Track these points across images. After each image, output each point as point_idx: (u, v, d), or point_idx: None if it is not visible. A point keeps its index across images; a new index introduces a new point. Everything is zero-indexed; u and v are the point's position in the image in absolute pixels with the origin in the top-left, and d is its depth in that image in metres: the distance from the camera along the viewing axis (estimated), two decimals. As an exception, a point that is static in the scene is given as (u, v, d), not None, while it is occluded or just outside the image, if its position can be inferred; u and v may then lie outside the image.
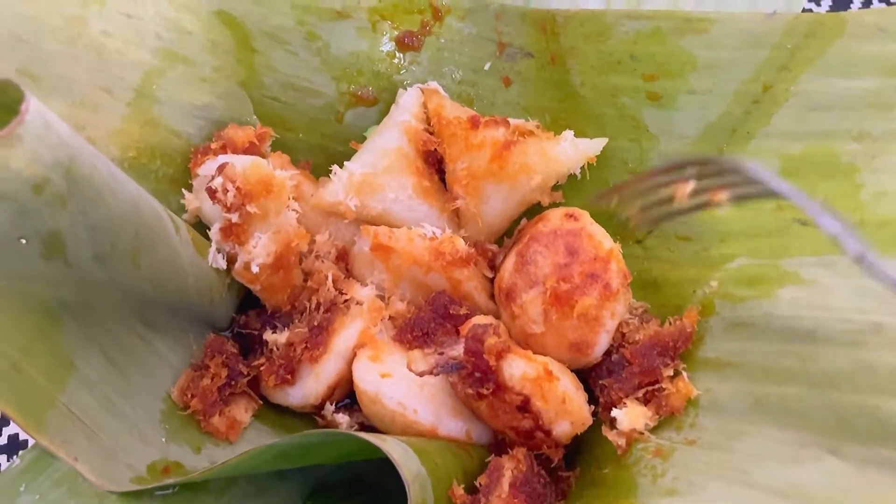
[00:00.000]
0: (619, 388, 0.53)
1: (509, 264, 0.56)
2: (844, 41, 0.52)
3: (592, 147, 0.59)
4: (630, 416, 0.51)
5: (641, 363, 0.53)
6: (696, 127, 0.57)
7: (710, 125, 0.57)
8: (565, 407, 0.51)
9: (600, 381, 0.55)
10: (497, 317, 0.59)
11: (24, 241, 0.42)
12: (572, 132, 0.59)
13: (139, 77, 0.56)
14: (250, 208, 0.53)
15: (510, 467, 0.49)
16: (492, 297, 0.60)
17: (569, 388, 0.52)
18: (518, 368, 0.50)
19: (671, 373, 0.52)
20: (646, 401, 0.52)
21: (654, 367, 0.52)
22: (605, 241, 0.54)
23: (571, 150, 0.59)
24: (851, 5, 0.87)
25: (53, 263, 0.44)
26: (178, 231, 0.52)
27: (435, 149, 0.60)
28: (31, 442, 0.49)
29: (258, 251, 0.54)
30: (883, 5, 0.87)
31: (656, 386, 0.52)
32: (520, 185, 0.59)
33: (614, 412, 0.51)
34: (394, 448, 0.43)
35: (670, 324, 0.55)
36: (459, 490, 0.48)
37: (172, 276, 0.52)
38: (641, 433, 0.50)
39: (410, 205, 0.59)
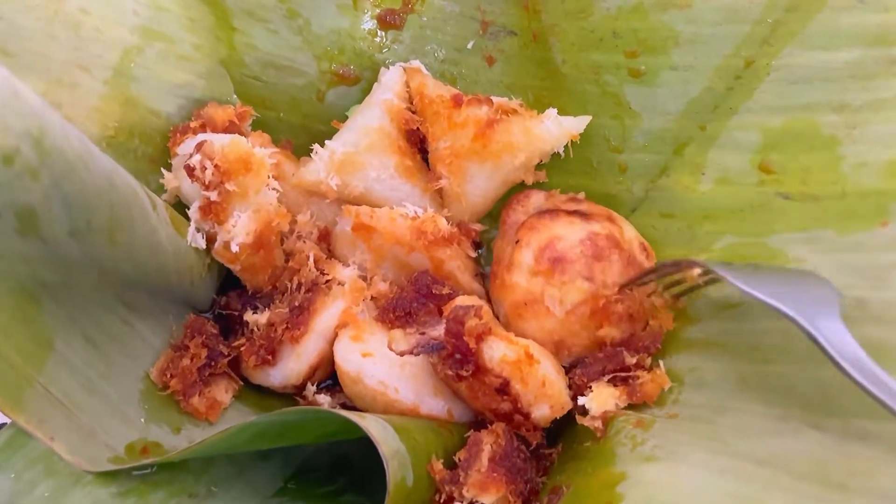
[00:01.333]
0: (582, 373, 0.52)
1: (575, 236, 0.54)
2: (825, 14, 0.51)
3: (576, 125, 0.59)
4: (597, 399, 0.50)
5: (606, 350, 0.53)
6: (679, 103, 0.57)
7: (692, 101, 0.56)
8: (545, 391, 0.50)
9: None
10: (480, 297, 0.59)
11: None
12: (556, 110, 0.59)
13: (117, 55, 0.56)
14: (229, 186, 0.52)
15: (489, 442, 0.49)
16: (475, 276, 0.60)
17: (549, 371, 0.51)
18: (498, 351, 0.50)
19: (634, 360, 0.52)
20: (613, 385, 0.52)
21: (617, 353, 0.52)
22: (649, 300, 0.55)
23: (555, 128, 0.58)
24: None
25: (28, 240, 0.43)
26: (156, 209, 0.51)
27: (417, 128, 0.60)
28: (8, 421, 0.49)
29: (238, 230, 0.54)
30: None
31: (629, 373, 0.52)
32: (503, 164, 0.59)
33: (581, 400, 0.51)
34: (373, 425, 0.43)
35: (643, 329, 0.55)
36: (438, 465, 0.47)
37: (151, 254, 0.51)
38: (615, 412, 0.50)
39: (392, 184, 0.59)
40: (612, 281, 0.53)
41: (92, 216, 0.45)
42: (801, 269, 0.49)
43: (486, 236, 0.63)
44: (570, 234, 0.55)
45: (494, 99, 0.59)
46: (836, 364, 0.39)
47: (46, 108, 0.40)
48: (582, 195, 0.60)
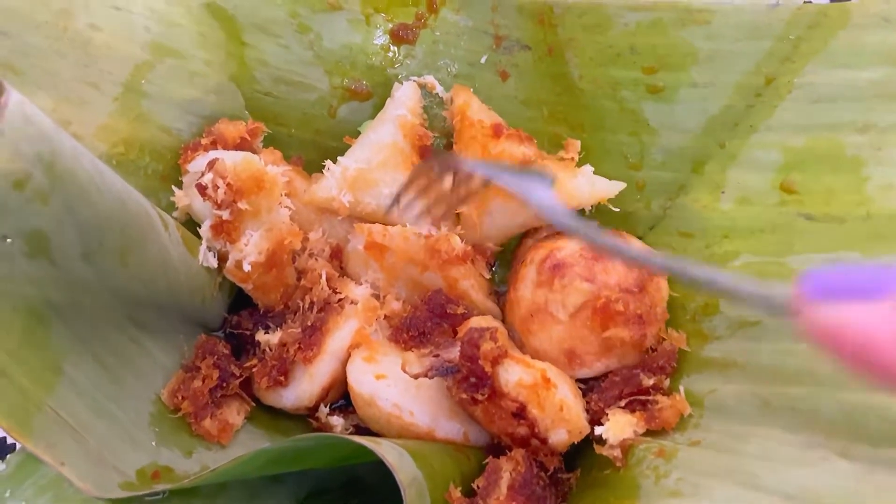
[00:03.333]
0: (598, 398, 0.51)
1: (575, 245, 0.54)
2: (849, 31, 0.51)
3: (608, 189, 0.57)
4: (615, 427, 0.49)
5: (622, 372, 0.52)
6: (698, 120, 0.56)
7: (711, 118, 0.55)
8: (562, 415, 0.49)
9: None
10: (495, 316, 0.58)
11: (6, 240, 0.40)
12: (592, 168, 0.57)
13: (127, 71, 0.55)
14: (241, 205, 0.52)
15: (508, 469, 0.48)
16: (490, 295, 0.59)
17: (567, 395, 0.50)
18: (514, 374, 0.49)
19: (651, 382, 0.51)
20: (630, 410, 0.51)
21: (634, 375, 0.51)
22: (663, 303, 0.54)
23: (587, 188, 0.56)
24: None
25: (38, 263, 0.42)
26: (168, 228, 0.50)
27: (431, 143, 0.59)
28: (18, 446, 0.48)
29: (250, 249, 0.53)
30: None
31: (647, 397, 0.51)
32: (527, 209, 0.57)
33: (598, 430, 0.49)
34: (389, 452, 0.42)
35: (654, 350, 0.54)
36: (457, 493, 0.46)
37: (162, 274, 0.50)
38: (634, 440, 0.49)
39: (405, 201, 0.58)
40: (615, 281, 0.52)
41: (104, 238, 0.44)
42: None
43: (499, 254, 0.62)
44: (570, 244, 0.55)
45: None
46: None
47: (58, 131, 0.40)
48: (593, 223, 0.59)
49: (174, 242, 0.51)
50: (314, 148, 0.62)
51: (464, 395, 0.49)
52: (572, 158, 0.58)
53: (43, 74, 0.51)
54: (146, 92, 0.56)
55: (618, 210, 0.59)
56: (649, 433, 0.50)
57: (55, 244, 0.42)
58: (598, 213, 0.59)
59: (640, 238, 0.59)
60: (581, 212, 0.59)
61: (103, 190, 0.43)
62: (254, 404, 0.57)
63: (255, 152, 0.58)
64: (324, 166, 0.58)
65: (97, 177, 0.42)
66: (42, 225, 0.40)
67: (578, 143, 0.58)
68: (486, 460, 0.50)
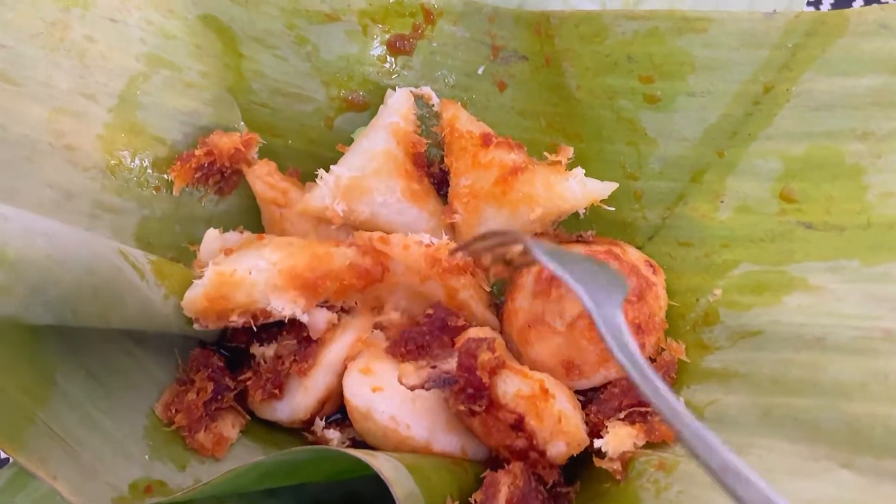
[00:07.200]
0: (597, 410, 0.51)
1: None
2: (847, 39, 0.50)
3: (600, 189, 0.56)
4: (615, 440, 0.48)
5: (621, 383, 0.52)
6: (696, 129, 0.55)
7: (709, 127, 0.55)
8: (561, 427, 0.49)
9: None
10: (494, 328, 0.57)
11: None
12: (583, 171, 0.56)
13: (123, 83, 0.55)
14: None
15: (506, 483, 0.47)
16: (489, 306, 0.59)
17: (565, 406, 0.50)
18: (512, 385, 0.48)
19: None
20: (630, 422, 0.50)
21: (632, 386, 0.51)
22: (662, 312, 0.54)
23: (578, 189, 0.56)
24: (853, 4, 0.85)
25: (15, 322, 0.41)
26: (144, 277, 0.49)
27: (424, 151, 0.59)
28: (10, 459, 0.47)
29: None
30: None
31: (646, 409, 0.50)
32: (519, 214, 0.57)
33: (598, 443, 0.49)
34: (385, 465, 0.42)
35: (653, 360, 0.53)
36: (454, 507, 0.46)
37: (148, 321, 0.49)
38: (634, 452, 0.48)
39: (399, 208, 0.57)
40: None
41: (77, 307, 0.42)
42: (600, 260, 0.50)
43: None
44: None
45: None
46: (610, 350, 0.39)
47: (7, 220, 0.39)
48: (590, 233, 0.59)
49: (154, 288, 0.50)
50: (311, 159, 0.62)
51: (461, 407, 0.48)
52: (560, 162, 0.58)
53: (38, 85, 0.51)
54: (142, 103, 0.56)
55: (616, 220, 0.58)
56: (649, 445, 0.49)
57: (28, 319, 0.41)
58: (597, 223, 0.59)
59: (639, 248, 0.58)
60: (575, 216, 0.59)
61: (66, 264, 0.41)
62: (249, 418, 0.56)
63: (249, 163, 0.58)
64: (317, 175, 0.57)
65: (56, 253, 0.41)
66: (10, 312, 0.39)
67: (571, 149, 0.58)
68: (484, 474, 0.49)
